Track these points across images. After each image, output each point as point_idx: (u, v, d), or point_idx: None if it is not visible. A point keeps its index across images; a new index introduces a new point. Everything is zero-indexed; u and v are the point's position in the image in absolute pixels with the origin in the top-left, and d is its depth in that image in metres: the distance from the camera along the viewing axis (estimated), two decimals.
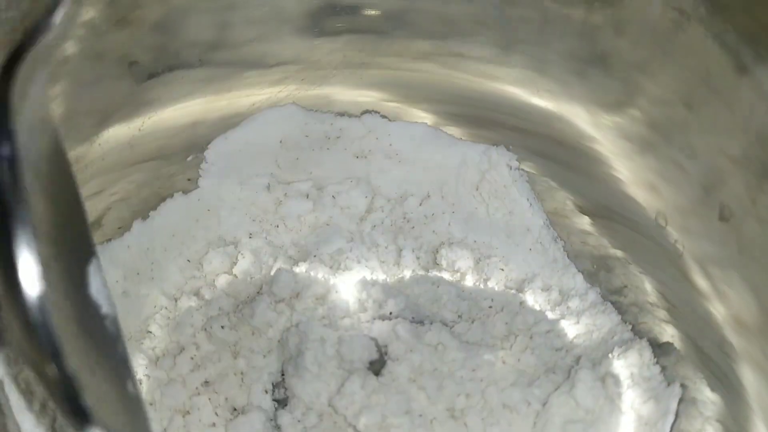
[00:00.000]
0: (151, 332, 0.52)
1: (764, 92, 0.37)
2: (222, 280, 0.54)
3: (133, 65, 0.46)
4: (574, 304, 0.53)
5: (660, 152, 0.45)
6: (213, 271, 0.54)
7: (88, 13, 0.41)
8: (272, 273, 0.54)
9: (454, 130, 0.56)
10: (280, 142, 0.56)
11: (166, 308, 0.53)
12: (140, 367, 0.50)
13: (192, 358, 0.51)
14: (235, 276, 0.55)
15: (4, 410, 0.40)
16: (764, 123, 0.37)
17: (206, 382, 0.50)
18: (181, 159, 0.54)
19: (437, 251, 0.56)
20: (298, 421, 0.49)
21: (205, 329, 0.52)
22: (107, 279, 0.49)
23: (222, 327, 0.52)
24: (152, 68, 0.46)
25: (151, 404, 0.49)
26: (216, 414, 0.49)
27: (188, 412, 0.49)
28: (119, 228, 0.52)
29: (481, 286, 0.55)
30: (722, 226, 0.41)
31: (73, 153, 0.45)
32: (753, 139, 0.38)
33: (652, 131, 0.44)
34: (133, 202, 0.52)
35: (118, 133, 0.48)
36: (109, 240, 0.51)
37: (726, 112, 0.39)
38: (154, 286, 0.53)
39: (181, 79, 0.49)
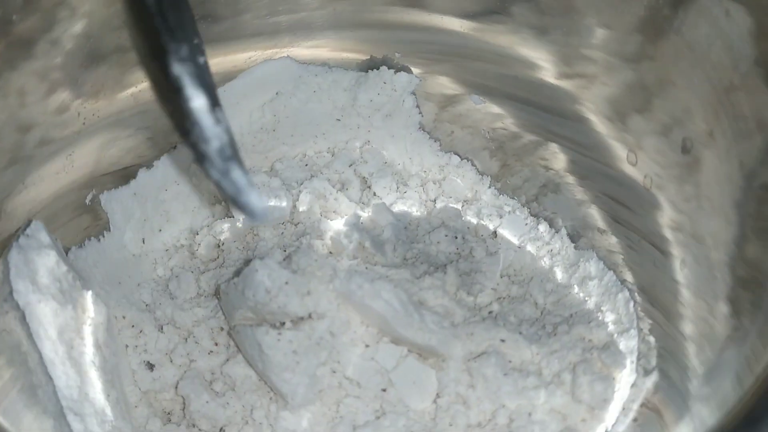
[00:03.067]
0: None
1: (720, 28, 0.39)
2: (227, 222, 0.59)
3: None
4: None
5: (632, 93, 0.48)
6: (219, 213, 0.59)
7: None
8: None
9: (443, 80, 0.59)
10: (276, 93, 0.59)
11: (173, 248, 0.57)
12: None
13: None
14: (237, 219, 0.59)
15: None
16: (720, 58, 0.40)
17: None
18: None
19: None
20: None
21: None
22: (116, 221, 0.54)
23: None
24: None
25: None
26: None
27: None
28: (124, 176, 0.55)
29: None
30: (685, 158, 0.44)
31: (79, 101, 0.48)
32: (711, 73, 0.41)
33: (622, 72, 0.47)
34: (137, 152, 0.55)
35: (122, 85, 0.51)
36: (117, 187, 0.55)
37: (686, 50, 0.42)
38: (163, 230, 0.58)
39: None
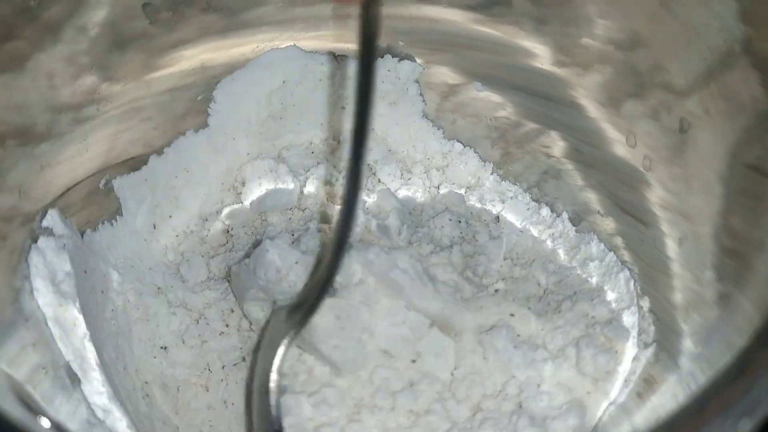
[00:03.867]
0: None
1: (715, 11, 0.41)
2: (236, 208, 0.60)
3: (146, 6, 0.50)
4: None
5: (627, 78, 0.49)
6: (225, 201, 0.60)
7: None
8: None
9: (445, 69, 0.61)
10: (283, 81, 0.60)
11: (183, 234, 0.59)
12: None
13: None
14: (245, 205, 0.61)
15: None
16: (717, 41, 0.41)
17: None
18: (191, 98, 0.58)
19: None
20: None
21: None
22: (129, 206, 0.55)
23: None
24: (164, 9, 0.51)
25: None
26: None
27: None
28: (137, 162, 0.57)
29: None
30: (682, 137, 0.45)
31: (94, 88, 0.50)
32: (708, 55, 0.42)
33: (618, 58, 0.49)
34: (148, 138, 0.57)
35: (134, 73, 0.53)
36: (129, 173, 0.56)
37: (682, 32, 0.43)
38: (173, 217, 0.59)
39: (190, 22, 0.54)
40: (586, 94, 0.53)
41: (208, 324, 0.55)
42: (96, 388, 0.45)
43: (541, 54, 0.54)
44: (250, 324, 0.55)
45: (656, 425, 0.26)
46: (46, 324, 0.44)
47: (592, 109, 0.54)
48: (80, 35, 0.48)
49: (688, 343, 0.43)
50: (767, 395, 0.25)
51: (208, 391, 0.54)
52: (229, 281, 0.56)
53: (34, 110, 0.47)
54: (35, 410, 0.36)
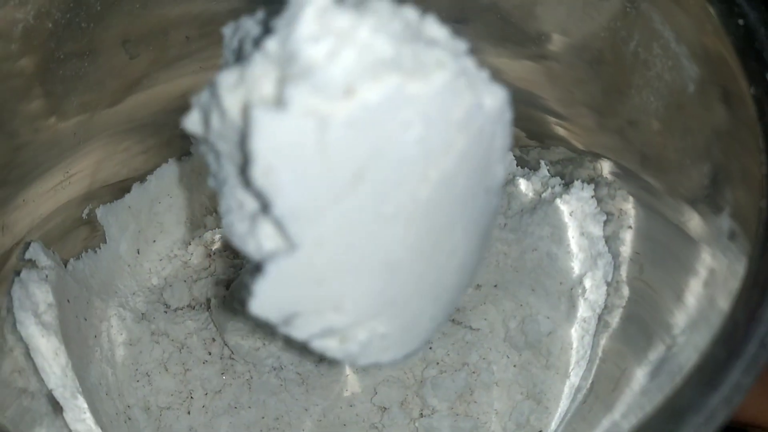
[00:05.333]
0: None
1: (672, 50, 0.42)
2: (218, 232, 0.61)
3: (126, 43, 0.51)
4: None
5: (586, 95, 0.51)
6: (210, 225, 0.61)
7: None
8: None
9: None
10: None
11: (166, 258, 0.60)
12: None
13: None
14: None
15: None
16: (672, 78, 0.43)
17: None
18: (173, 127, 0.59)
19: None
20: None
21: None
22: (112, 233, 0.56)
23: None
24: (143, 44, 0.52)
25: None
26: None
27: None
28: (120, 189, 0.58)
29: None
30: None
31: (77, 120, 0.51)
32: (663, 92, 0.44)
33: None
34: (131, 167, 0.58)
35: (115, 103, 0.54)
36: (112, 201, 0.57)
37: (641, 68, 0.45)
38: (157, 241, 0.60)
39: (170, 55, 0.55)
40: (545, 107, 0.55)
41: (190, 352, 0.57)
42: (78, 416, 0.47)
43: (502, 68, 0.56)
44: (232, 352, 0.56)
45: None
46: (29, 355, 0.46)
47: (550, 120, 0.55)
48: (61, 69, 0.49)
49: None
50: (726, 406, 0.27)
51: (189, 414, 0.55)
52: (209, 312, 0.58)
53: (16, 143, 0.48)
54: None
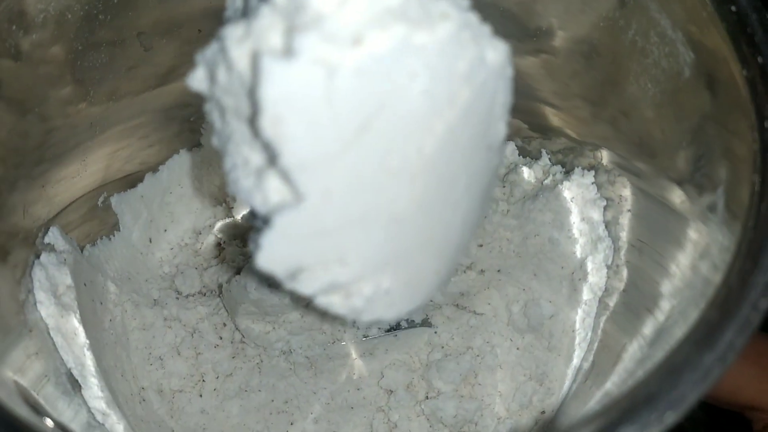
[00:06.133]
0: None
1: (668, 37, 0.44)
2: (228, 222, 0.63)
3: (141, 35, 0.53)
4: None
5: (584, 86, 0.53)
6: (220, 215, 0.63)
7: None
8: None
9: None
10: None
11: (177, 247, 0.62)
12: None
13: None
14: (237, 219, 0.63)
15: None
16: (669, 65, 0.45)
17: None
18: (185, 118, 0.61)
19: None
20: None
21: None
22: (126, 221, 0.58)
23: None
24: (157, 36, 0.54)
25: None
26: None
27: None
28: (134, 179, 0.60)
29: None
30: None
31: (93, 111, 0.53)
32: (660, 78, 0.45)
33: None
34: (144, 156, 0.60)
35: (130, 95, 0.56)
36: (126, 190, 0.59)
37: (638, 56, 0.46)
38: (168, 230, 0.62)
39: (182, 47, 0.57)
40: (543, 99, 0.57)
41: (202, 337, 0.58)
42: (95, 394, 0.48)
43: None
44: (242, 336, 0.58)
45: (586, 415, 0.29)
46: (49, 334, 0.47)
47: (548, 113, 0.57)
48: (79, 60, 0.51)
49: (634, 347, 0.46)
50: (692, 391, 0.29)
51: (201, 396, 0.57)
52: (221, 297, 0.59)
53: (35, 132, 0.50)
54: (41, 412, 0.39)
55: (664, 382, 0.30)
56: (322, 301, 0.34)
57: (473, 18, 0.29)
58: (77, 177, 0.54)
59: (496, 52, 0.30)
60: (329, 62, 0.27)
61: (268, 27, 0.28)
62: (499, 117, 0.32)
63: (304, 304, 0.54)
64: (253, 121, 0.29)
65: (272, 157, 0.29)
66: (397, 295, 0.34)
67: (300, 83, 0.27)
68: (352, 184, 0.29)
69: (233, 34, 0.29)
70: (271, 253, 0.31)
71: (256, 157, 0.31)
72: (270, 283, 0.53)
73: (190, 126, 0.62)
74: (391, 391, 0.59)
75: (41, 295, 0.47)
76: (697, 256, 0.42)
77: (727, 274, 0.33)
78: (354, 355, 0.60)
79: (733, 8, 0.39)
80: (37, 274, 0.48)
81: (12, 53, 0.45)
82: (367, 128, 0.28)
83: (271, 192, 0.30)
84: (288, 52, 0.27)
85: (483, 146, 0.32)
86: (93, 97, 0.53)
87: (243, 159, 0.32)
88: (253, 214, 0.34)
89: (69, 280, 0.49)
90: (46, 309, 0.47)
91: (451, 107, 0.29)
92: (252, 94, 0.28)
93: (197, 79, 0.32)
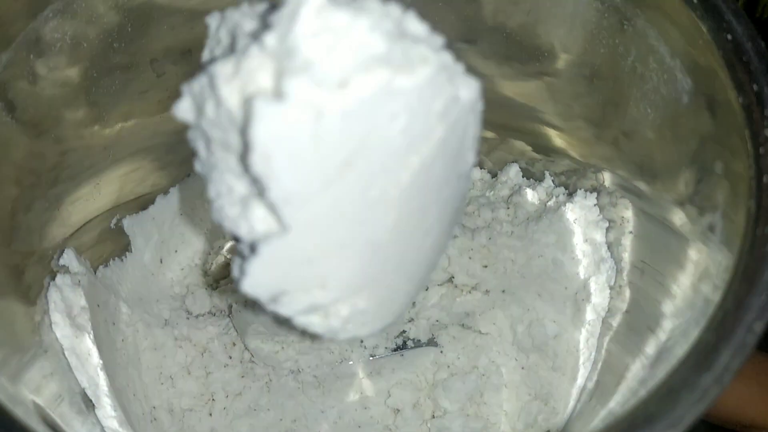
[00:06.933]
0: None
1: (667, 65, 0.45)
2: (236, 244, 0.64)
3: (153, 61, 0.55)
4: None
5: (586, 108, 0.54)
6: (227, 236, 0.64)
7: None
8: None
9: None
10: None
11: (188, 268, 0.63)
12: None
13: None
14: None
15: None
16: (668, 91, 0.46)
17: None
18: None
19: None
20: None
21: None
22: (137, 243, 0.59)
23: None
24: (169, 63, 0.55)
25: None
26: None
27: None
28: (145, 202, 0.61)
29: None
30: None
31: (106, 134, 0.54)
32: (659, 104, 0.47)
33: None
34: (155, 179, 0.61)
35: (142, 118, 0.57)
36: (138, 211, 0.61)
37: (638, 82, 0.47)
38: (179, 251, 0.63)
39: (192, 72, 0.58)
40: (545, 120, 0.58)
41: (212, 356, 0.59)
42: (108, 413, 0.49)
43: (502, 82, 0.58)
44: (252, 356, 0.59)
45: None
46: (64, 354, 0.48)
47: (551, 134, 0.58)
48: (93, 86, 0.52)
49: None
50: (690, 412, 0.30)
51: (211, 416, 0.58)
52: (230, 317, 0.60)
53: (50, 154, 0.51)
54: (58, 431, 0.40)
55: (662, 403, 0.30)
56: (301, 320, 0.35)
57: (448, 58, 0.31)
58: (91, 199, 0.55)
59: (468, 90, 0.32)
60: (317, 105, 0.29)
61: (258, 67, 0.30)
62: (468, 148, 0.34)
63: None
64: (242, 156, 0.31)
65: (260, 191, 0.30)
66: (371, 314, 0.36)
67: (289, 124, 0.29)
68: (334, 215, 0.31)
69: (222, 71, 0.30)
70: (256, 279, 0.32)
71: (241, 186, 0.32)
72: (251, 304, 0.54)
73: None
74: (398, 410, 0.59)
75: (57, 317, 0.48)
76: (698, 276, 0.43)
77: (724, 297, 0.34)
78: (361, 374, 0.61)
79: (729, 37, 0.40)
80: (53, 295, 0.49)
81: (29, 77, 0.46)
82: (350, 165, 0.30)
83: (257, 221, 0.32)
84: (278, 94, 0.29)
85: (454, 175, 0.34)
86: (107, 120, 0.54)
87: (227, 187, 0.33)
88: (236, 239, 0.35)
89: (83, 302, 0.50)
90: (61, 330, 0.48)
91: (427, 143, 0.31)
92: (243, 132, 0.30)
93: (183, 110, 0.33)
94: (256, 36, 0.31)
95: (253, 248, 0.32)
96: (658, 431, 0.30)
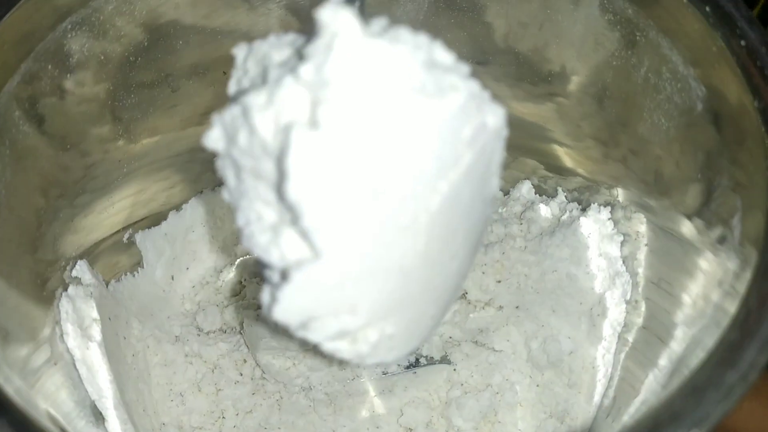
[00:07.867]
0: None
1: (680, 73, 0.45)
2: (248, 260, 0.64)
3: (168, 77, 0.55)
4: None
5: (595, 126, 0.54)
6: (240, 253, 0.64)
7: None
8: None
9: None
10: None
11: (199, 285, 0.63)
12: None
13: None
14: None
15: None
16: (681, 99, 0.46)
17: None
18: (208, 159, 0.63)
19: None
20: None
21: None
22: (149, 259, 0.59)
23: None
24: (184, 78, 0.56)
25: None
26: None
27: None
28: (157, 218, 0.61)
29: None
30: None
31: (124, 149, 0.54)
32: (673, 113, 0.47)
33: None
34: (168, 195, 0.62)
35: (158, 135, 0.58)
36: (150, 227, 0.61)
37: (652, 92, 0.48)
38: (190, 268, 0.63)
39: (207, 88, 0.59)
40: (556, 139, 0.58)
41: (222, 373, 0.59)
42: (117, 427, 0.48)
43: (514, 104, 0.59)
44: (263, 372, 0.58)
45: None
46: (75, 366, 0.48)
47: (560, 153, 0.59)
48: (109, 99, 0.53)
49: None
50: (716, 409, 0.29)
51: None
52: (242, 333, 0.60)
53: (76, 167, 0.51)
54: None
55: (688, 402, 0.30)
56: (329, 346, 0.35)
57: (476, 86, 0.32)
58: (105, 213, 0.55)
59: (495, 117, 0.32)
60: (352, 135, 0.29)
61: (293, 97, 0.30)
62: (493, 173, 0.35)
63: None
64: (276, 184, 0.31)
65: (293, 218, 0.31)
66: (398, 339, 0.36)
67: (324, 153, 0.29)
68: (365, 241, 0.31)
69: (256, 101, 0.31)
70: (288, 306, 0.32)
71: (270, 214, 0.33)
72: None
73: (212, 167, 0.63)
74: (411, 429, 0.58)
75: (68, 327, 0.48)
76: (713, 287, 0.42)
77: (747, 295, 0.33)
78: (373, 392, 0.60)
79: (743, 42, 0.40)
80: (65, 306, 0.49)
81: (57, 92, 0.47)
82: (383, 192, 0.30)
83: (289, 248, 0.32)
84: (314, 124, 0.29)
85: (479, 200, 0.35)
86: (123, 135, 0.55)
87: (256, 215, 0.33)
88: (260, 264, 0.35)
89: (95, 314, 0.50)
90: (72, 341, 0.48)
91: (456, 169, 0.32)
92: (278, 161, 0.31)
93: (213, 139, 0.33)
94: (287, 66, 0.32)
95: (284, 275, 0.32)
96: (683, 430, 0.29)
